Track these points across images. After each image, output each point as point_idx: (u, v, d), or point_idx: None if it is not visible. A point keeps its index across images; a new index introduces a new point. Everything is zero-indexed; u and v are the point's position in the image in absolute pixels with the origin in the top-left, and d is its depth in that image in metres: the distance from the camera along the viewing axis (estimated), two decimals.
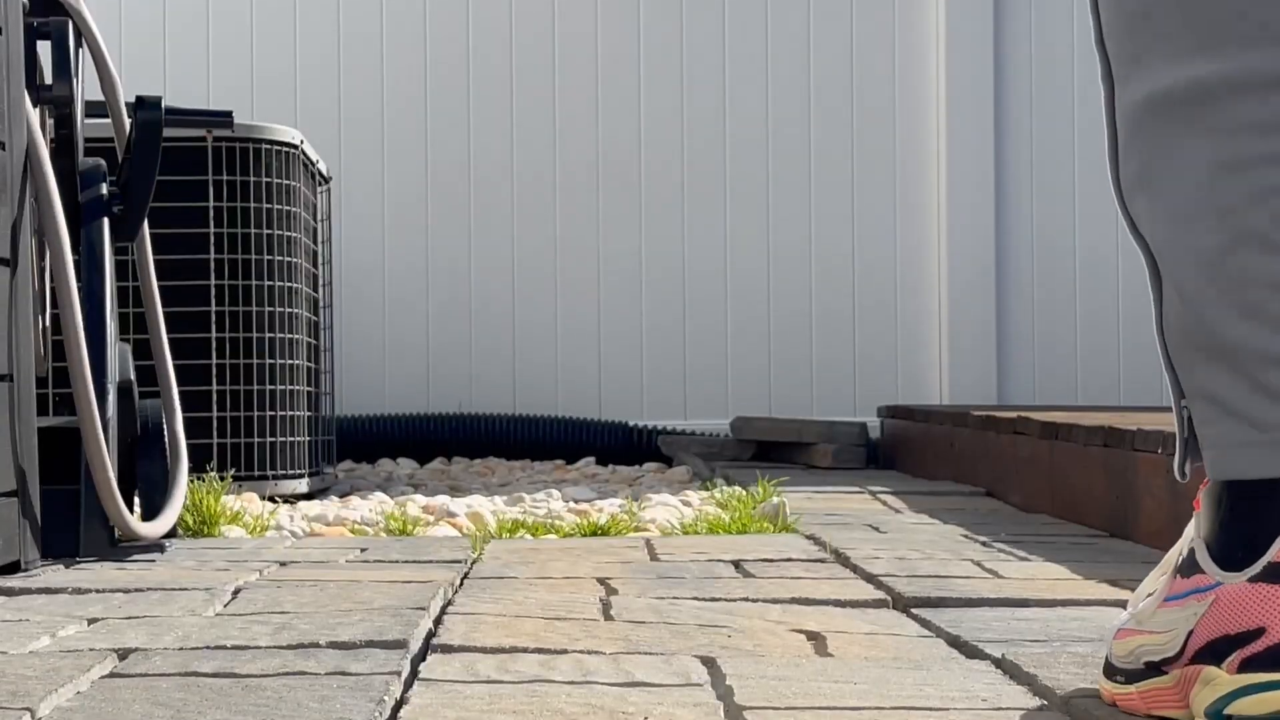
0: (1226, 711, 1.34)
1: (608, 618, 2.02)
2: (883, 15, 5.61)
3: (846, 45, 5.61)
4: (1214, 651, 1.37)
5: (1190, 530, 1.48)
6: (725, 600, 2.18)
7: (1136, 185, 1.39)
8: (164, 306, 3.07)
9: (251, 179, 3.86)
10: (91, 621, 1.99)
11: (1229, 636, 1.36)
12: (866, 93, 5.60)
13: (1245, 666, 1.34)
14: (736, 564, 2.56)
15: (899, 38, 5.62)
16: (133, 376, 2.89)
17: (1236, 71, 1.31)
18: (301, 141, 3.99)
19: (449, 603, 2.14)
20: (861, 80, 5.61)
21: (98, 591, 2.25)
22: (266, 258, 3.86)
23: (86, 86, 2.92)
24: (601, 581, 2.35)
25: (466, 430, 5.28)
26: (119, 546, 2.66)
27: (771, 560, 2.61)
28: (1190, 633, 1.40)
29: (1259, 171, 1.31)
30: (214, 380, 3.80)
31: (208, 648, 1.79)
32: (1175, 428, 1.44)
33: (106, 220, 2.80)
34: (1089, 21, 1.42)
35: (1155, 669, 1.44)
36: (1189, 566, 1.43)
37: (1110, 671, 1.51)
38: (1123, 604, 2.12)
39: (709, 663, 1.71)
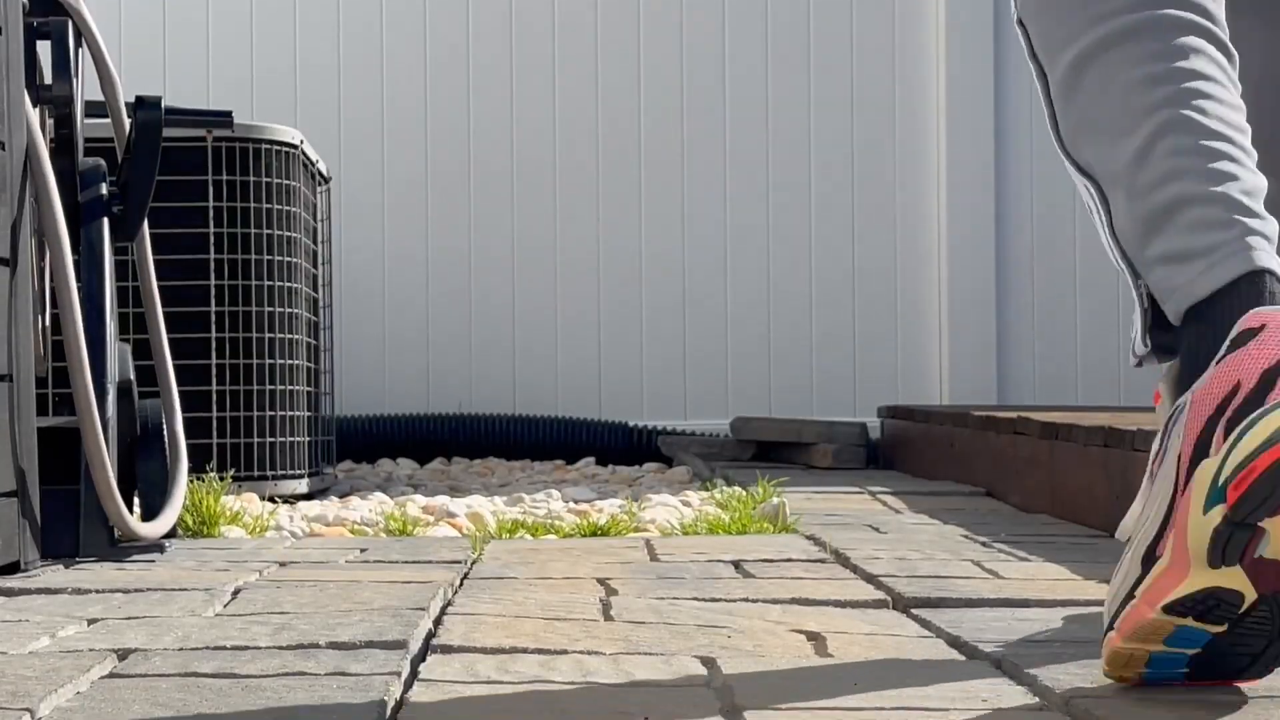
0: (1223, 479, 1.40)
1: (608, 618, 2.02)
2: (882, 15, 5.61)
3: (846, 44, 5.61)
4: (1199, 450, 1.46)
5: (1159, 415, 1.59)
6: (725, 600, 2.18)
7: (1078, 131, 1.68)
8: (164, 306, 3.06)
9: (251, 179, 3.86)
10: (91, 622, 1.99)
11: (1210, 419, 1.47)
12: (866, 92, 5.60)
13: (1231, 425, 1.44)
14: (736, 564, 2.56)
15: (898, 38, 5.62)
16: (132, 376, 2.89)
17: (1119, 27, 1.64)
18: (301, 141, 3.99)
19: (449, 603, 2.14)
20: (861, 80, 5.61)
21: (97, 592, 2.25)
22: (266, 258, 3.86)
23: (86, 86, 2.92)
24: (601, 582, 2.35)
25: (466, 430, 5.28)
26: (119, 547, 2.66)
27: (771, 560, 2.61)
28: (1179, 457, 1.48)
29: (1172, 84, 1.62)
30: (214, 380, 3.80)
31: (207, 648, 1.79)
32: (1137, 319, 1.66)
33: (106, 220, 2.80)
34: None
35: (1150, 560, 1.49)
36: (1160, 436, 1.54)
37: (1110, 627, 1.53)
38: None
39: (709, 663, 1.71)
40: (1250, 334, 1.49)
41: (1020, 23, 1.75)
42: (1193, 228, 1.58)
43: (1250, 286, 1.53)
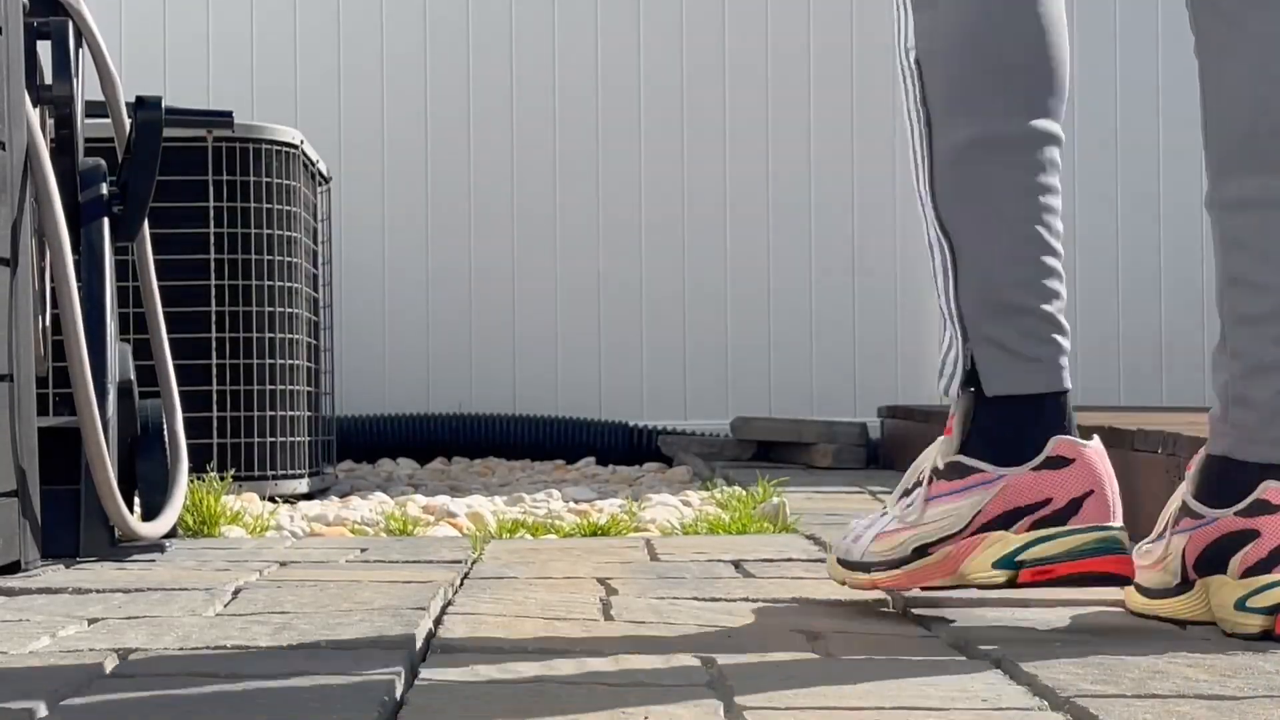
0: (1019, 559, 1.95)
1: (608, 618, 2.02)
2: (881, 15, 5.60)
3: (847, 43, 5.61)
4: (1003, 522, 1.96)
5: (933, 452, 2.03)
6: (725, 600, 2.18)
7: (955, 199, 2.00)
8: (164, 306, 3.07)
9: (251, 179, 3.86)
10: (91, 621, 1.99)
11: (1019, 508, 1.96)
12: (867, 91, 5.60)
13: (1036, 525, 1.95)
14: (736, 564, 2.56)
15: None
16: (133, 376, 2.89)
17: (1020, 130, 2.04)
18: (301, 141, 3.99)
19: (449, 603, 2.14)
20: (862, 78, 5.61)
21: (98, 591, 2.25)
22: (266, 258, 3.86)
23: (86, 86, 2.92)
24: (601, 581, 2.35)
25: (466, 430, 5.28)
26: (119, 546, 2.66)
27: (772, 560, 2.61)
28: (978, 512, 1.97)
29: (1039, 197, 2.08)
30: (214, 380, 3.80)
31: (208, 648, 1.79)
32: (955, 365, 2.01)
33: (106, 220, 2.80)
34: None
35: (922, 553, 2.00)
36: (953, 471, 1.99)
37: (863, 568, 2.05)
38: (1124, 603, 2.12)
39: (709, 662, 1.71)
40: (1064, 461, 1.96)
41: (917, 64, 2.01)
42: (1024, 334, 2.00)
43: (1054, 401, 1.99)
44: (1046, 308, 2.03)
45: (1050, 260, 2.06)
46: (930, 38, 2.00)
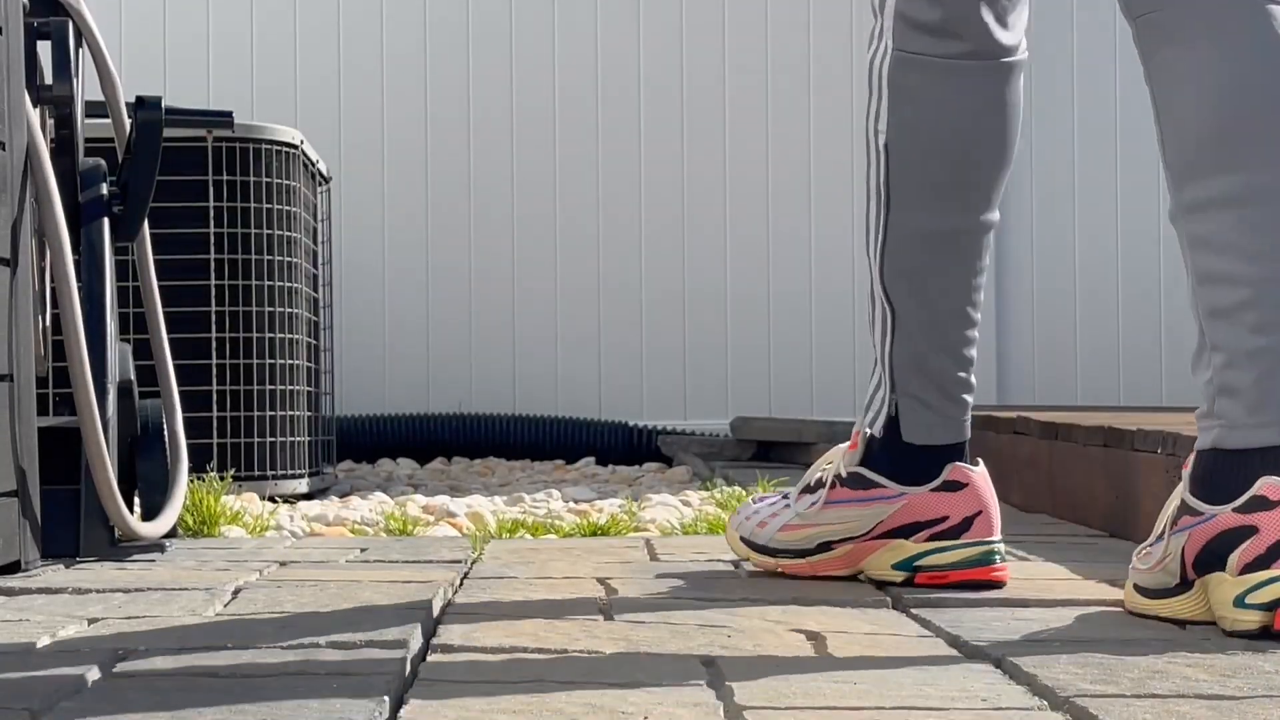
0: (917, 564, 2.29)
1: (608, 617, 2.02)
2: None
3: (846, 42, 5.61)
4: (904, 532, 2.30)
5: (836, 458, 2.36)
6: (725, 600, 2.18)
7: (901, 276, 2.27)
8: (164, 306, 3.07)
9: (251, 179, 3.86)
10: (92, 621, 1.99)
11: (919, 522, 2.29)
12: (865, 92, 5.59)
13: (934, 538, 2.29)
14: (736, 564, 2.56)
15: None
16: (133, 376, 2.89)
17: (973, 223, 2.26)
18: (301, 141, 3.99)
19: (449, 602, 2.14)
20: (862, 76, 5.60)
21: (98, 591, 2.25)
22: (266, 258, 3.86)
23: (86, 86, 2.92)
24: (601, 581, 2.36)
25: (466, 430, 5.28)
26: (119, 546, 2.66)
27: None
28: (880, 521, 2.31)
29: (973, 279, 2.28)
30: (214, 380, 3.80)
31: (208, 647, 1.79)
32: (881, 407, 2.32)
33: (107, 220, 2.80)
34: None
35: (825, 548, 2.35)
36: (855, 481, 2.33)
37: (770, 553, 2.39)
38: (1123, 603, 2.12)
39: (709, 662, 1.71)
40: (958, 485, 2.30)
41: (885, 149, 2.26)
42: (943, 395, 2.30)
43: (957, 447, 2.31)
44: (963, 375, 2.31)
45: (972, 333, 2.32)
46: (903, 130, 2.23)
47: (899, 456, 2.30)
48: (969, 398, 2.32)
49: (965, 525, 2.28)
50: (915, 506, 2.30)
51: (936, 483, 2.29)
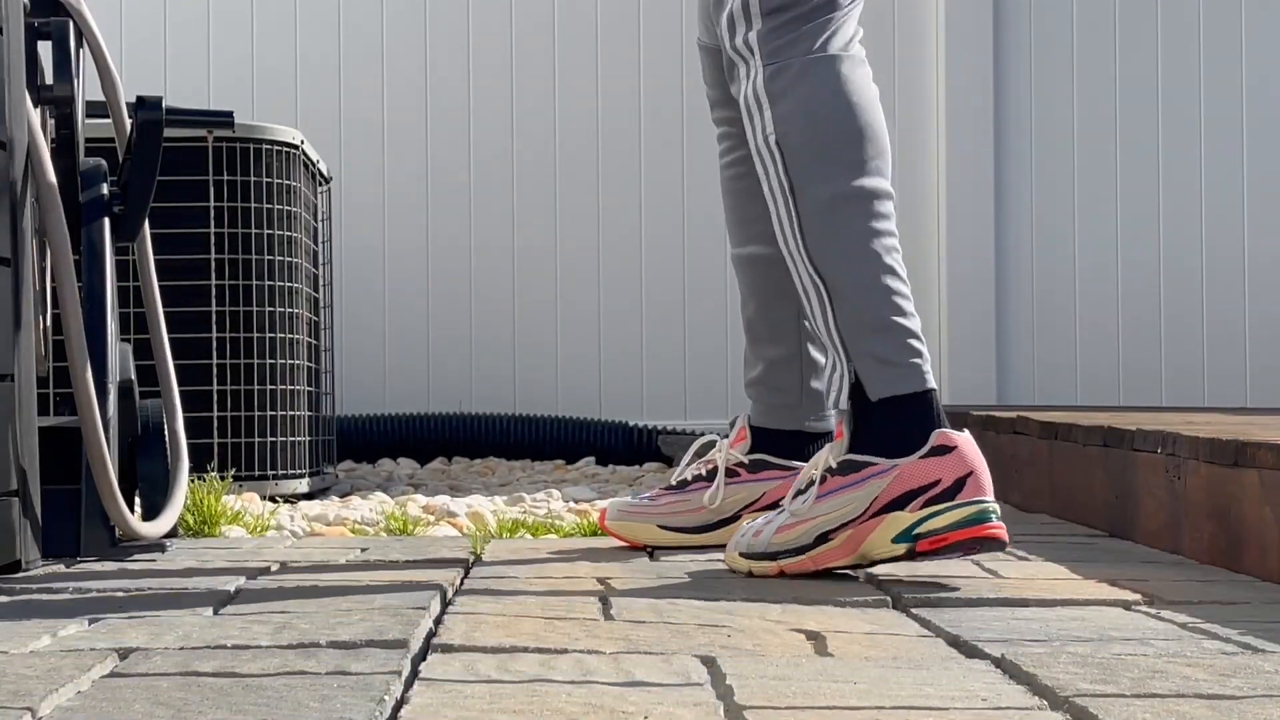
0: (916, 532, 2.35)
1: (608, 617, 2.02)
2: (882, 12, 5.61)
3: None
4: (897, 504, 2.36)
5: (823, 456, 2.43)
6: (725, 600, 2.18)
7: (823, 242, 2.44)
8: (164, 306, 3.07)
9: (252, 179, 3.86)
10: (92, 621, 1.99)
11: (911, 491, 2.36)
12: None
13: (928, 504, 2.35)
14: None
15: (898, 36, 5.62)
16: (133, 376, 2.89)
17: (869, 187, 2.46)
18: (302, 141, 3.99)
19: (449, 602, 2.14)
20: None
21: (98, 591, 2.25)
22: (267, 258, 3.86)
23: (87, 86, 2.92)
24: (601, 581, 2.36)
25: (467, 430, 5.28)
26: (120, 546, 2.66)
27: None
28: (875, 498, 2.37)
29: (887, 239, 2.45)
30: (214, 380, 3.80)
31: (208, 647, 1.79)
32: (841, 382, 2.44)
33: (107, 220, 2.80)
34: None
35: (824, 539, 2.40)
36: (846, 468, 2.40)
37: (770, 556, 2.42)
38: (1123, 603, 2.13)
39: (709, 662, 1.71)
40: (946, 449, 2.37)
41: (778, 145, 2.47)
42: (895, 346, 2.41)
43: (926, 399, 2.40)
44: (908, 324, 2.43)
45: (904, 288, 2.45)
46: (787, 121, 2.47)
47: (879, 428, 2.40)
48: (922, 348, 2.43)
49: (958, 487, 2.35)
50: (907, 475, 2.37)
51: (925, 450, 2.37)
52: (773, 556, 2.43)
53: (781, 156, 2.48)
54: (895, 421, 2.39)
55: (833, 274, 2.44)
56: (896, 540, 2.36)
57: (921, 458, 2.37)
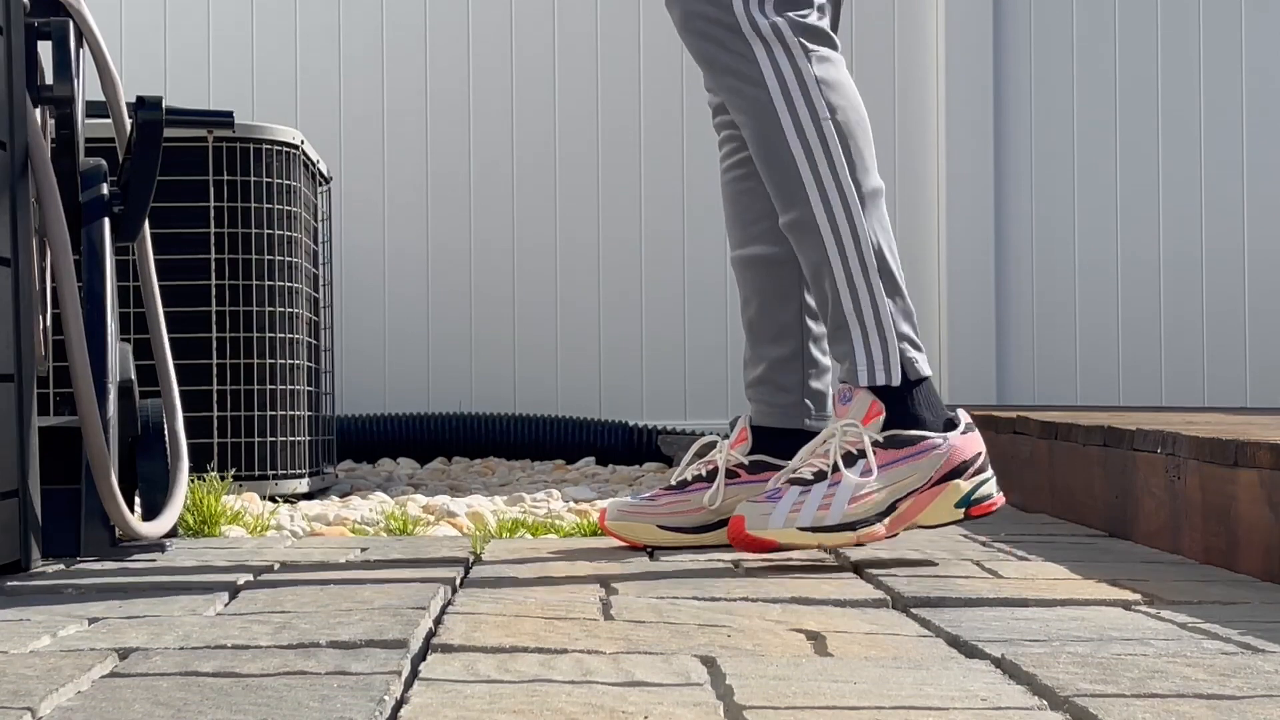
0: (973, 498, 2.61)
1: (608, 617, 2.02)
2: (881, 13, 5.61)
3: (846, 43, 5.60)
4: (954, 474, 2.60)
5: (840, 435, 2.59)
6: (725, 600, 2.18)
7: (880, 230, 2.66)
8: (164, 306, 3.07)
9: (252, 179, 3.86)
10: (92, 621, 1.99)
11: (965, 462, 2.61)
12: (865, 91, 5.59)
13: (975, 474, 2.62)
14: (736, 563, 2.57)
15: (898, 36, 5.62)
16: (133, 376, 2.89)
17: (880, 182, 2.69)
18: (302, 141, 3.99)
19: (449, 602, 2.14)
20: (860, 78, 5.59)
21: (98, 591, 2.25)
22: (267, 258, 3.86)
23: (87, 86, 2.92)
24: (601, 581, 2.36)
25: (466, 430, 5.28)
26: (120, 546, 2.66)
27: (771, 559, 2.61)
28: (936, 469, 2.59)
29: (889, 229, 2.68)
30: (214, 380, 3.81)
31: (208, 647, 1.79)
32: (865, 360, 2.62)
33: (107, 220, 2.81)
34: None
35: (893, 507, 2.58)
36: (896, 442, 2.59)
37: (848, 527, 2.54)
38: (1123, 603, 2.13)
39: (709, 662, 1.71)
40: (971, 427, 2.64)
41: (839, 127, 2.66)
42: (917, 333, 2.65)
43: (931, 383, 2.66)
44: (912, 307, 2.68)
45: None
46: (844, 110, 2.68)
47: (916, 407, 2.62)
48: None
49: (986, 459, 2.65)
50: (958, 450, 2.61)
51: (962, 427, 2.63)
52: (851, 527, 2.55)
53: (841, 139, 2.65)
54: (929, 400, 2.63)
55: (887, 260, 2.63)
56: (958, 505, 2.60)
57: (961, 434, 2.62)
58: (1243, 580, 2.42)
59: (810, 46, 2.67)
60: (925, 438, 2.59)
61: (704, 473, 2.82)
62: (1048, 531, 3.13)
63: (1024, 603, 2.15)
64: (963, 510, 2.61)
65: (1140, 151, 5.63)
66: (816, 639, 1.87)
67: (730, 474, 2.81)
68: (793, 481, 2.57)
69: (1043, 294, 5.60)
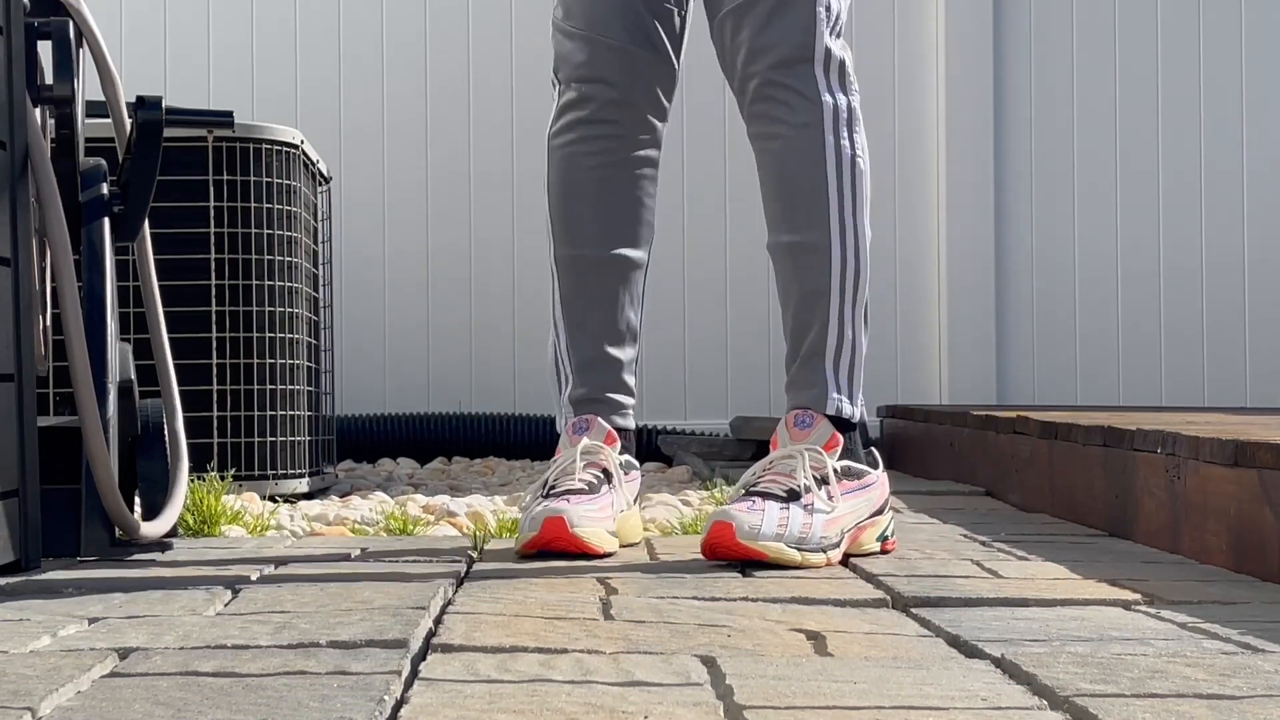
0: (885, 534, 2.68)
1: (608, 617, 2.02)
2: (881, 13, 5.61)
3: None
4: (879, 510, 2.69)
5: (808, 458, 2.61)
6: (725, 600, 2.18)
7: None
8: (164, 306, 3.07)
9: (252, 179, 3.86)
10: (92, 621, 1.99)
11: (885, 499, 2.71)
12: (865, 92, 5.59)
13: (889, 511, 2.73)
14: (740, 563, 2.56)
15: (898, 36, 5.62)
16: (133, 376, 2.89)
17: None
18: (302, 141, 3.99)
19: (449, 602, 2.14)
20: (860, 79, 5.60)
21: (98, 591, 2.25)
22: (267, 258, 3.86)
23: (87, 86, 2.92)
24: (601, 581, 2.36)
25: (466, 430, 5.28)
26: (119, 546, 2.66)
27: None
28: (871, 504, 2.67)
29: None
30: (214, 380, 3.81)
31: (208, 647, 1.79)
32: (833, 393, 2.71)
33: (107, 220, 2.80)
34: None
35: (843, 536, 2.59)
36: (849, 474, 2.65)
37: (821, 549, 2.54)
38: (1123, 603, 2.13)
39: (709, 662, 1.71)
40: (879, 464, 2.77)
41: (866, 166, 2.76)
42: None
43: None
44: None
45: None
46: (867, 154, 2.80)
47: (855, 443, 2.71)
48: None
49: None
50: (883, 486, 2.73)
51: (881, 465, 2.74)
52: (824, 549, 2.55)
53: (864, 179, 2.76)
54: (865, 438, 2.77)
55: (867, 299, 2.76)
56: (878, 539, 2.69)
57: (882, 471, 2.75)
58: (1243, 580, 2.42)
59: (855, 82, 2.81)
60: (870, 472, 2.69)
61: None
62: (1048, 531, 3.13)
63: (1024, 603, 2.15)
64: (879, 545, 2.68)
65: (1140, 151, 5.64)
66: (816, 639, 1.87)
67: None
68: (765, 495, 2.55)
69: (1043, 294, 5.60)
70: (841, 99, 2.77)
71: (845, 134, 2.74)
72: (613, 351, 2.90)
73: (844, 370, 2.71)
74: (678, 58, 2.95)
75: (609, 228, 2.88)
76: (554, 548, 2.59)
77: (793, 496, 2.55)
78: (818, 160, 2.72)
